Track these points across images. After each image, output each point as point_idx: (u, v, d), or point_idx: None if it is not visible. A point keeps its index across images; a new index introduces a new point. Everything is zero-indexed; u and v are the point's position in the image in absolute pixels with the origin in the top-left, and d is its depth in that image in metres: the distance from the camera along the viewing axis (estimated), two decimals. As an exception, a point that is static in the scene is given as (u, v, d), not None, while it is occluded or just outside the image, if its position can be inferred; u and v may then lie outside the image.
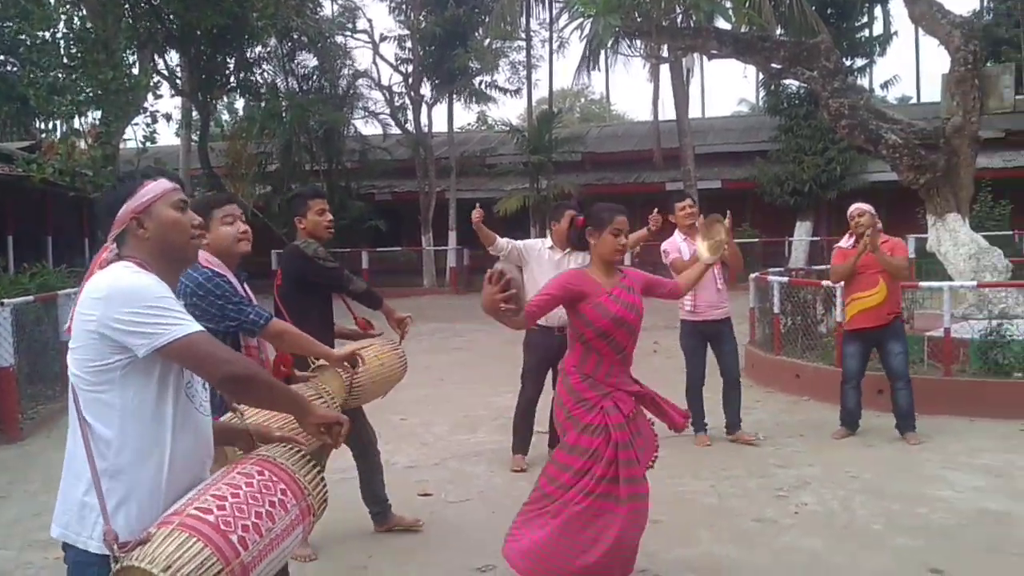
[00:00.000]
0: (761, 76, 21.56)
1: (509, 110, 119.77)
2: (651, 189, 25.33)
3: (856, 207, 6.54)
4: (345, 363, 3.75)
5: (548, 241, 6.04)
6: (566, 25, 16.09)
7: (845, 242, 6.64)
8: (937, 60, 61.89)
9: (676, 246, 6.67)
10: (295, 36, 24.35)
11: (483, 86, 26.15)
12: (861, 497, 5.19)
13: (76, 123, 15.34)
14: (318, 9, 25.00)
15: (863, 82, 24.81)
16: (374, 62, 27.34)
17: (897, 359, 6.48)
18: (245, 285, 3.41)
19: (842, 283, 6.88)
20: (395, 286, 21.54)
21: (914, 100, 34.76)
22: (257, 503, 1.96)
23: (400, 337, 4.50)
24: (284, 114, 23.59)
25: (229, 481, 1.99)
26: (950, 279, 8.74)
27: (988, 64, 16.78)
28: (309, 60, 25.91)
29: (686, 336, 6.70)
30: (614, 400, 3.53)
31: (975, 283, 8.25)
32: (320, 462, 2.56)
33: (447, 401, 8.36)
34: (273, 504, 2.00)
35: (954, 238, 9.07)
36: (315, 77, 25.91)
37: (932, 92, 24.91)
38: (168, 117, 17.91)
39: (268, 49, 24.56)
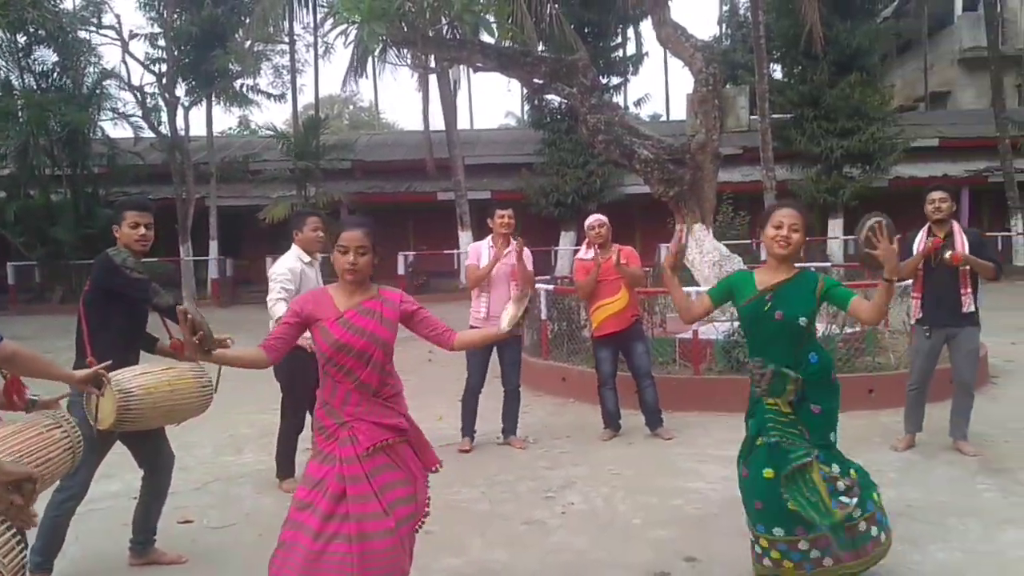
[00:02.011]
0: (525, 91, 22.31)
1: (274, 115, 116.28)
2: (423, 199, 25.52)
3: (595, 218, 6.86)
4: (89, 385, 3.46)
5: (302, 255, 5.86)
6: (330, 30, 15.80)
7: (584, 253, 6.94)
8: (684, 81, 66.73)
9: (479, 252, 6.69)
10: (31, 29, 22.22)
11: (245, 89, 25.13)
12: (622, 493, 5.46)
13: None
14: (58, 1, 22.97)
15: (618, 99, 26.38)
16: (123, 60, 25.53)
17: (641, 358, 6.92)
18: None
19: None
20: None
21: (664, 118, 37.47)
22: None
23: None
24: (20, 113, 21.52)
25: None
26: (698, 285, 9.43)
27: (727, 86, 18.38)
28: (49, 56, 23.74)
29: None
30: (352, 431, 3.23)
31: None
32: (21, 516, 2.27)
33: (210, 421, 7.82)
34: None
35: (700, 246, 9.80)
36: (55, 74, 23.76)
37: (680, 110, 26.76)
38: None
39: (-1, 43, 22.29)
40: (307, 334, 3.39)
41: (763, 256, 20.87)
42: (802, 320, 3.66)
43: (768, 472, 3.65)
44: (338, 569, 3.08)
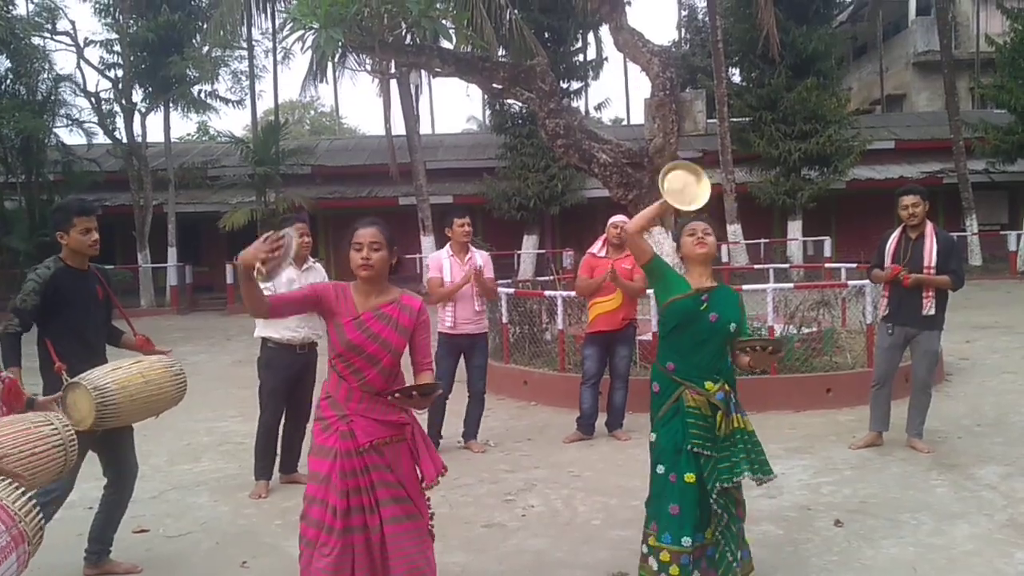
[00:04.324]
0: (486, 96, 22.35)
1: (233, 121, 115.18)
2: (385, 203, 25.42)
3: (618, 218, 6.88)
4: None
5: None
6: (288, 35, 15.71)
7: (598, 249, 6.94)
8: (644, 85, 67.10)
9: (439, 264, 6.65)
10: (-18, 36, 21.79)
11: (203, 95, 24.82)
12: (582, 495, 5.48)
13: None
14: (10, 8, 22.53)
15: (579, 104, 26.52)
16: (78, 67, 25.02)
17: (622, 362, 6.95)
18: None
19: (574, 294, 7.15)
20: (108, 308, 19.91)
21: (625, 122, 37.72)
22: None
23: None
24: (-28, 121, 21.09)
25: None
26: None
27: (686, 90, 18.55)
28: (1, 63, 23.29)
29: (442, 349, 6.72)
30: (350, 425, 3.23)
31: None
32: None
33: (167, 429, 7.77)
34: None
35: (659, 249, 9.83)
36: (8, 81, 23.32)
37: (641, 115, 26.95)
38: None
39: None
40: (269, 285, 3.38)
41: (723, 258, 21.17)
42: (732, 325, 3.71)
43: (689, 476, 3.59)
44: (366, 562, 3.18)
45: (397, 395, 3.19)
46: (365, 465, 3.23)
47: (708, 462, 3.61)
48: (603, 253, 6.93)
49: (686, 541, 3.56)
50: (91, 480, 4.52)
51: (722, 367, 3.72)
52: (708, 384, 3.64)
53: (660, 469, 3.70)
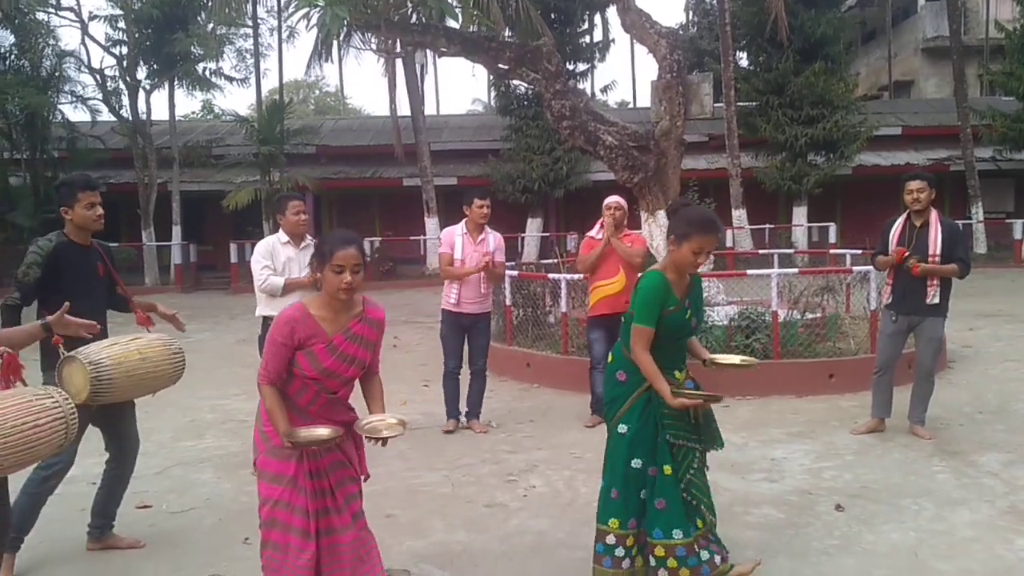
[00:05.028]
0: (491, 76, 22.24)
1: (238, 100, 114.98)
2: (389, 184, 25.40)
3: (612, 199, 6.81)
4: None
5: (282, 236, 5.80)
6: (293, 13, 15.62)
7: (596, 232, 6.91)
8: (651, 68, 66.94)
9: (451, 240, 6.66)
10: (-14, 11, 21.71)
11: (207, 73, 24.74)
12: (583, 476, 5.49)
13: None
14: (15, -19, 22.45)
15: (585, 86, 26.43)
16: (83, 43, 24.94)
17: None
18: None
19: (581, 275, 7.12)
20: (112, 285, 19.90)
21: (631, 104, 37.59)
22: None
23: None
24: (-24, 96, 21.04)
25: None
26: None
27: (693, 73, 18.43)
28: (5, 38, 23.22)
29: (446, 326, 6.77)
30: (311, 424, 3.21)
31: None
32: None
33: (171, 406, 7.80)
34: None
35: (664, 233, 9.79)
36: (13, 56, 23.24)
37: (647, 97, 26.87)
38: None
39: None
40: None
41: (728, 243, 21.13)
42: (699, 315, 3.76)
43: (668, 468, 3.56)
44: (339, 560, 3.21)
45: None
46: (331, 463, 3.25)
47: (680, 451, 3.59)
48: (600, 235, 6.88)
49: (677, 534, 3.51)
50: (94, 456, 4.54)
51: (685, 354, 3.76)
52: (677, 374, 3.64)
53: (636, 463, 3.59)
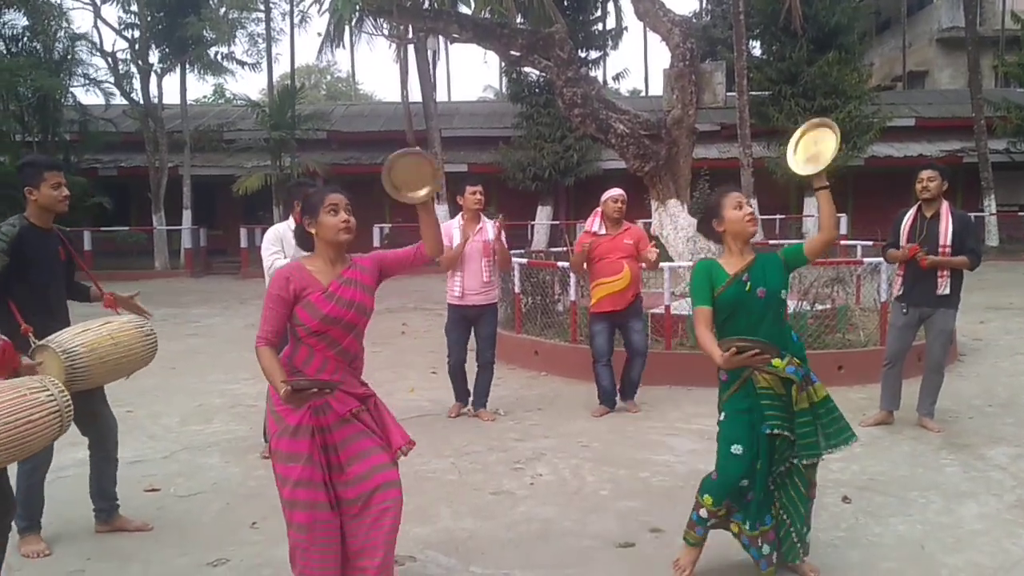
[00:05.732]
0: (503, 63, 22.17)
1: (249, 84, 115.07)
2: (399, 170, 25.29)
3: (611, 192, 6.77)
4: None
5: (291, 223, 5.79)
6: (306, -2, 15.64)
7: (597, 227, 6.81)
8: (664, 56, 66.58)
9: (449, 233, 6.57)
10: (-1, -8, 21.75)
11: (219, 57, 24.76)
12: (590, 465, 5.50)
13: None
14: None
15: (597, 74, 26.29)
16: (95, 25, 24.95)
17: (637, 335, 6.89)
18: None
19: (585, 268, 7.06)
20: (124, 268, 20.01)
21: (643, 93, 37.41)
22: None
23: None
24: (-11, 78, 21.08)
25: None
26: (671, 260, 9.45)
27: (705, 62, 18.33)
28: (19, 20, 23.24)
29: (451, 320, 6.75)
30: (327, 398, 3.19)
31: (692, 263, 8.96)
32: None
33: (179, 391, 7.86)
34: None
35: (674, 222, 9.81)
36: (25, 39, 23.28)
37: (659, 86, 26.67)
38: None
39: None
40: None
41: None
42: (783, 293, 3.64)
43: (759, 464, 3.60)
44: (366, 532, 3.23)
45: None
46: (341, 439, 3.23)
47: (783, 442, 3.59)
48: (603, 231, 6.79)
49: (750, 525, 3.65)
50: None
51: (786, 339, 3.63)
52: (775, 361, 3.46)
53: (736, 449, 3.59)
